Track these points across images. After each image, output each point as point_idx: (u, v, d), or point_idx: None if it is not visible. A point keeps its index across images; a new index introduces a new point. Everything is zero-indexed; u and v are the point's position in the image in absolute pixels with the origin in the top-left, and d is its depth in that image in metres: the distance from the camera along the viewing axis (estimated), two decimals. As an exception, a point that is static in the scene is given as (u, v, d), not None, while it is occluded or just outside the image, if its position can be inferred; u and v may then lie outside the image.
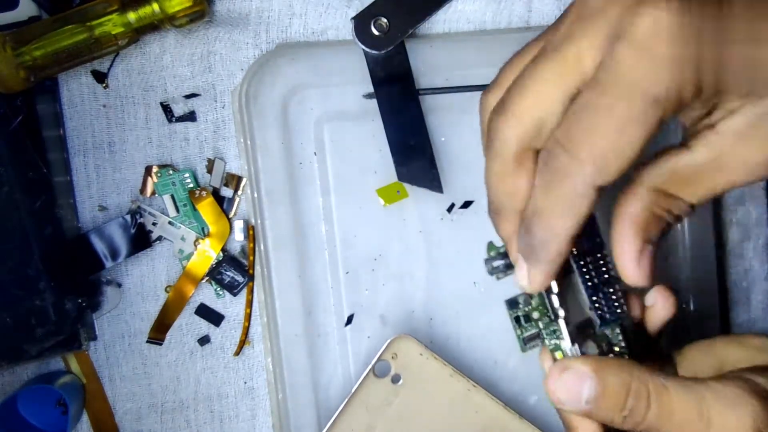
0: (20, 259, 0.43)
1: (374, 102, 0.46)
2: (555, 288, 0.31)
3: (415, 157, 0.47)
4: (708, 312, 0.51)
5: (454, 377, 0.46)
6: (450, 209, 0.48)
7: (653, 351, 0.34)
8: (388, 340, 0.45)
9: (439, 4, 0.47)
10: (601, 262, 0.31)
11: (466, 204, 0.48)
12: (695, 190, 0.29)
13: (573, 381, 0.30)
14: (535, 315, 0.34)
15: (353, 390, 0.45)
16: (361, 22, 0.45)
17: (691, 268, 0.50)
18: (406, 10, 0.46)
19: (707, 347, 0.34)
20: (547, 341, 0.34)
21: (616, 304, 0.31)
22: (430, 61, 0.47)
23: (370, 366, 0.45)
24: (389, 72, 0.46)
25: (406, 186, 0.47)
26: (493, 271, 0.34)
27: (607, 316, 0.31)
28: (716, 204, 0.51)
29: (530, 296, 0.34)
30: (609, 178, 0.27)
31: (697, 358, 0.34)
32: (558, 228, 0.28)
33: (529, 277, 0.31)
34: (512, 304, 0.35)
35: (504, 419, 0.46)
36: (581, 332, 0.32)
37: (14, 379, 0.47)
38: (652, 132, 0.26)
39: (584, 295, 0.31)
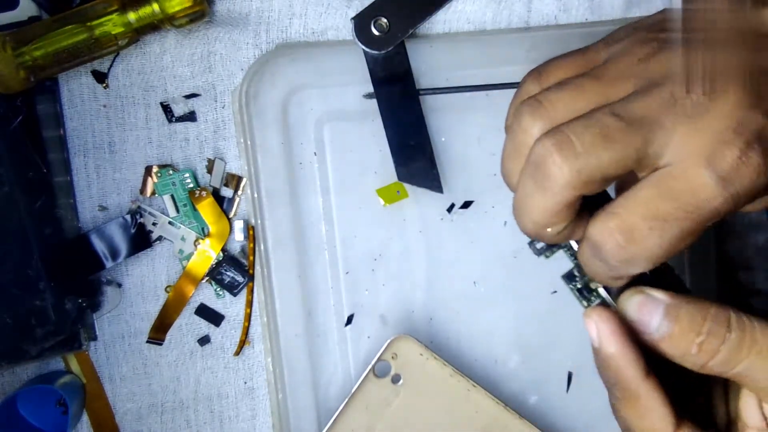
0: (20, 259, 0.43)
1: (374, 102, 0.46)
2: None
3: (415, 157, 0.47)
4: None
5: (454, 377, 0.46)
6: (450, 209, 0.48)
7: None
8: (388, 340, 0.45)
9: (439, 4, 0.47)
10: None
11: (466, 204, 0.48)
12: None
13: (646, 304, 0.29)
14: (594, 284, 0.33)
15: (353, 390, 0.45)
16: (361, 22, 0.45)
17: (691, 268, 0.50)
18: (406, 10, 0.46)
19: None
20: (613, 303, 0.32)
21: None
22: (430, 61, 0.47)
23: (370, 366, 0.45)
24: (389, 72, 0.46)
25: (406, 186, 0.47)
26: (539, 253, 0.33)
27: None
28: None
29: (580, 269, 0.33)
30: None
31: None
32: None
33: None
34: (570, 277, 0.34)
35: (504, 419, 0.46)
36: None
37: (14, 379, 0.47)
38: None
39: None
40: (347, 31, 0.47)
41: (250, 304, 0.48)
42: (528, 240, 0.34)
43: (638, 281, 0.30)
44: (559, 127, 0.28)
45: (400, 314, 0.48)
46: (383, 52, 0.46)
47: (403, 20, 0.46)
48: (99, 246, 0.46)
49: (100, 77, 0.47)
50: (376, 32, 0.45)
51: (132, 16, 0.43)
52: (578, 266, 0.33)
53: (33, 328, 0.44)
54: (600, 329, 0.30)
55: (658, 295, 0.29)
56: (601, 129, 0.27)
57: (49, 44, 0.42)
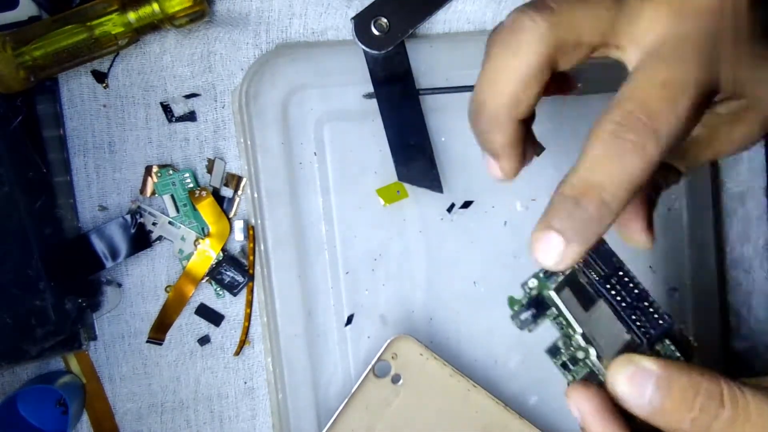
0: (20, 259, 0.43)
1: (374, 102, 0.46)
2: (579, 329, 0.30)
3: (415, 157, 0.47)
4: (708, 313, 0.51)
5: (454, 377, 0.46)
6: (450, 209, 0.48)
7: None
8: (388, 340, 0.45)
9: (439, 4, 0.47)
10: (626, 279, 0.30)
11: (466, 204, 0.48)
12: (687, 160, 0.33)
13: (638, 376, 0.28)
14: (580, 354, 0.31)
15: (353, 390, 0.45)
16: (361, 22, 0.45)
17: (691, 269, 0.50)
18: (406, 10, 0.46)
19: None
20: (601, 377, 0.31)
21: (656, 316, 0.30)
22: (430, 61, 0.47)
23: (370, 366, 0.45)
24: (389, 72, 0.46)
25: (406, 186, 0.47)
26: (523, 325, 0.32)
27: (652, 331, 0.29)
28: (716, 205, 0.51)
29: (568, 338, 0.32)
30: (668, 153, 0.27)
31: None
32: (616, 203, 0.27)
33: (565, 253, 0.28)
34: (554, 351, 0.32)
35: (504, 419, 0.46)
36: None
37: (14, 379, 0.47)
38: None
39: (618, 321, 0.30)
40: (347, 31, 0.47)
41: (250, 304, 0.48)
42: (510, 314, 0.33)
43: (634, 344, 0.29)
44: None
45: (400, 314, 0.48)
46: (383, 52, 0.46)
47: (403, 20, 0.46)
48: (99, 246, 0.46)
49: (100, 77, 0.47)
50: (376, 32, 0.45)
51: (132, 16, 0.43)
52: (566, 337, 0.32)
53: (33, 328, 0.44)
54: (582, 410, 0.29)
55: (649, 365, 0.28)
56: None
57: (49, 44, 0.42)
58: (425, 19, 0.47)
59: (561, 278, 0.31)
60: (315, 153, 0.47)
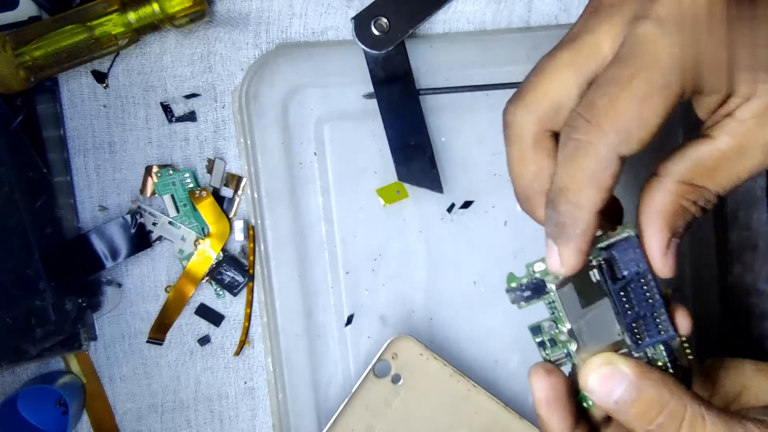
0: (20, 259, 0.43)
1: (374, 102, 0.46)
2: (568, 325, 0.31)
3: (415, 157, 0.47)
4: (709, 314, 0.51)
5: (454, 377, 0.46)
6: (450, 209, 0.48)
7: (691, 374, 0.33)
8: (388, 340, 0.45)
9: (439, 4, 0.47)
10: (645, 288, 0.30)
11: (466, 204, 0.48)
12: (720, 178, 0.30)
13: (612, 377, 0.29)
14: (563, 338, 0.32)
15: (353, 390, 0.45)
16: (361, 22, 0.45)
17: (692, 270, 0.50)
18: (406, 10, 0.46)
19: (734, 368, 0.34)
20: (577, 363, 0.32)
21: (659, 327, 0.30)
22: (430, 61, 0.47)
23: (370, 366, 0.45)
24: (389, 72, 0.46)
25: (406, 186, 0.47)
26: (515, 301, 0.33)
27: (647, 339, 0.30)
28: (718, 206, 0.51)
29: (555, 323, 0.33)
30: (632, 147, 0.27)
31: (721, 375, 0.34)
32: (583, 200, 0.28)
33: (561, 257, 0.30)
34: (536, 330, 0.33)
35: (504, 419, 0.46)
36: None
37: (14, 379, 0.47)
38: (673, 104, 0.27)
39: (617, 323, 0.31)
40: (347, 31, 0.47)
41: (250, 304, 0.48)
42: (505, 288, 0.33)
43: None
44: None
45: (400, 314, 0.48)
46: (383, 52, 0.46)
47: (403, 20, 0.46)
48: (99, 246, 0.46)
49: (100, 77, 0.47)
50: (376, 32, 0.45)
51: (132, 16, 0.43)
52: (553, 320, 0.33)
53: (33, 328, 0.44)
54: (537, 394, 0.31)
55: (626, 369, 0.29)
56: None
57: (49, 44, 0.42)
58: (425, 19, 0.46)
59: None
60: (315, 153, 0.47)
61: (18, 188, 0.43)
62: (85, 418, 0.48)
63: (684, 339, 0.31)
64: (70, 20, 0.42)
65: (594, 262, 0.31)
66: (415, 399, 0.46)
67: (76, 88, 0.46)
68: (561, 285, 0.31)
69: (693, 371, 0.32)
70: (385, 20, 0.45)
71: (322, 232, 0.47)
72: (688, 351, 0.31)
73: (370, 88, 0.46)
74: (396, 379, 0.46)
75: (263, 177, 0.46)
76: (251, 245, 0.47)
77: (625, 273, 0.30)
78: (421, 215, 0.48)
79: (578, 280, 0.31)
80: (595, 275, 0.31)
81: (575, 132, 0.28)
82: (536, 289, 0.32)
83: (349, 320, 0.47)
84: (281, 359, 0.47)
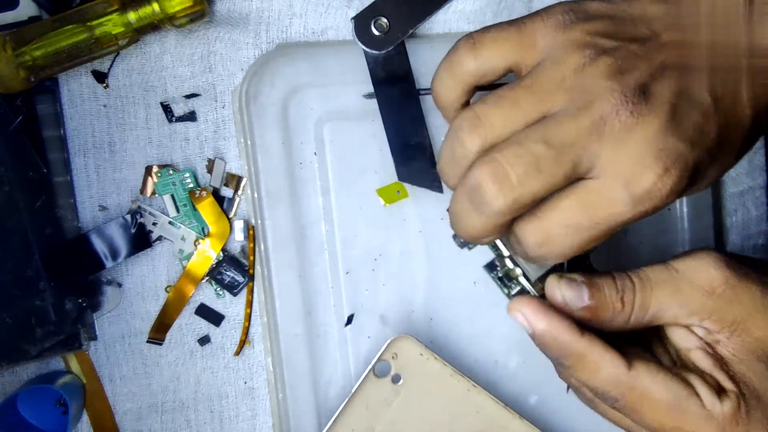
0: (20, 259, 0.43)
1: (374, 102, 0.46)
2: (506, 252, 0.37)
3: (415, 157, 0.47)
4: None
5: (454, 377, 0.46)
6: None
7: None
8: (388, 340, 0.45)
9: (439, 4, 0.47)
10: None
11: (466, 204, 0.48)
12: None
13: (572, 285, 0.34)
14: (518, 271, 0.36)
15: (353, 390, 0.45)
16: (361, 22, 0.45)
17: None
18: (406, 10, 0.46)
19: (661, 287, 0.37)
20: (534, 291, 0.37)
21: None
22: (430, 61, 0.47)
23: (370, 366, 0.45)
24: (389, 72, 0.46)
25: (406, 186, 0.47)
26: (462, 245, 0.39)
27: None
28: (716, 204, 0.51)
29: (500, 258, 0.37)
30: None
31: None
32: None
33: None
34: (491, 267, 0.40)
35: (504, 419, 0.46)
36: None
37: (14, 379, 0.47)
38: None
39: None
40: (347, 31, 0.47)
41: (250, 304, 0.48)
42: (452, 233, 0.40)
43: (558, 267, 0.37)
44: (494, 155, 0.31)
45: (400, 314, 0.48)
46: (383, 52, 0.46)
47: (403, 20, 0.46)
48: (99, 246, 0.46)
49: (100, 77, 0.47)
50: (376, 32, 0.45)
51: (132, 16, 0.43)
52: (499, 257, 0.37)
53: (33, 328, 0.44)
54: (525, 314, 0.34)
55: (578, 277, 0.34)
56: (533, 159, 0.30)
57: (49, 44, 0.42)
58: (425, 19, 0.47)
59: None
60: (315, 153, 0.47)
61: (18, 188, 0.43)
62: (85, 418, 0.48)
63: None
64: (70, 20, 0.42)
65: None
66: (415, 399, 0.46)
67: (76, 88, 0.46)
68: None
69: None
70: (385, 20, 0.45)
71: (322, 232, 0.47)
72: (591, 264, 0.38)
73: (370, 88, 0.46)
74: (396, 379, 0.46)
75: (263, 177, 0.46)
76: (251, 245, 0.47)
77: None
78: (421, 215, 0.48)
79: None
80: None
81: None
82: None
83: (349, 320, 0.47)
84: (281, 359, 0.47)
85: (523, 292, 0.37)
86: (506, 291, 0.38)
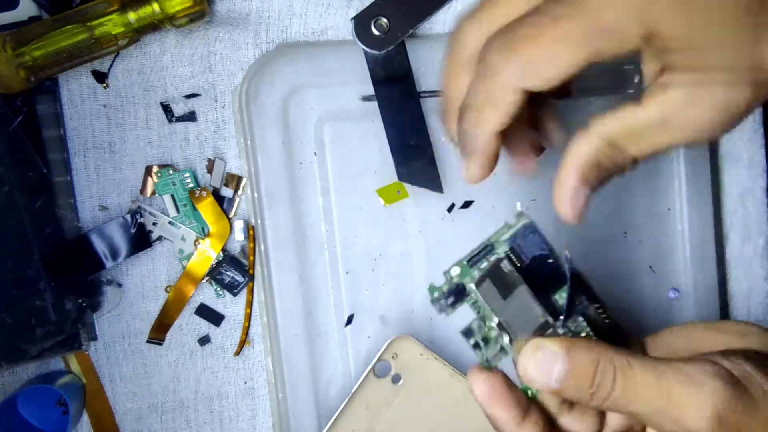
0: (20, 259, 0.43)
1: (374, 102, 0.46)
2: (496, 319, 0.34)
3: (415, 157, 0.47)
4: (708, 312, 0.51)
5: (454, 377, 0.46)
6: (450, 209, 0.48)
7: (619, 335, 0.34)
8: (388, 340, 0.45)
9: (439, 4, 0.47)
10: (555, 267, 0.33)
11: (466, 204, 0.48)
12: (641, 144, 0.31)
13: (545, 360, 0.31)
14: (493, 333, 0.34)
15: (353, 390, 0.45)
16: (361, 22, 0.45)
17: (691, 268, 0.50)
18: (406, 10, 0.46)
19: (683, 332, 0.35)
20: (513, 354, 0.34)
21: (572, 299, 0.32)
22: (430, 61, 0.47)
23: (370, 366, 0.45)
24: (389, 72, 0.46)
25: (406, 186, 0.47)
26: (441, 310, 0.35)
27: (564, 313, 0.32)
28: (716, 204, 0.51)
29: (483, 321, 0.35)
30: (535, 83, 0.29)
31: (672, 341, 0.35)
32: (484, 118, 0.31)
33: (467, 170, 0.33)
34: (468, 333, 0.35)
35: (504, 419, 0.46)
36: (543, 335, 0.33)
37: (14, 379, 0.47)
38: (587, 58, 0.28)
39: (536, 305, 0.32)
40: (347, 31, 0.47)
41: (250, 304, 0.48)
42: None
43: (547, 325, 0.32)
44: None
45: (400, 314, 0.48)
46: (383, 52, 0.46)
47: (403, 20, 0.46)
48: (99, 246, 0.46)
49: (100, 77, 0.47)
50: (376, 32, 0.45)
51: (132, 16, 0.43)
52: (480, 322, 0.34)
53: (33, 328, 0.44)
54: (475, 390, 0.33)
55: (555, 348, 0.31)
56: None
57: (49, 44, 0.42)
58: (425, 19, 0.47)
59: (485, 266, 0.34)
60: (315, 153, 0.47)
61: (18, 188, 0.43)
62: (85, 418, 0.48)
63: (597, 306, 0.33)
64: (70, 20, 0.42)
65: (502, 254, 0.33)
66: (415, 399, 0.46)
67: (76, 88, 0.46)
68: (479, 282, 0.33)
69: (623, 331, 0.34)
70: (385, 20, 0.45)
71: (322, 232, 0.47)
72: (603, 315, 0.33)
73: (370, 88, 0.46)
74: (396, 379, 0.46)
75: (263, 177, 0.46)
76: (251, 245, 0.47)
77: (531, 257, 0.33)
78: (421, 215, 0.48)
79: (494, 275, 0.33)
80: (506, 266, 0.33)
81: (490, 54, 0.30)
82: (458, 293, 0.34)
83: (349, 320, 0.47)
84: (281, 359, 0.47)
85: (500, 353, 0.35)
86: (482, 353, 0.35)
